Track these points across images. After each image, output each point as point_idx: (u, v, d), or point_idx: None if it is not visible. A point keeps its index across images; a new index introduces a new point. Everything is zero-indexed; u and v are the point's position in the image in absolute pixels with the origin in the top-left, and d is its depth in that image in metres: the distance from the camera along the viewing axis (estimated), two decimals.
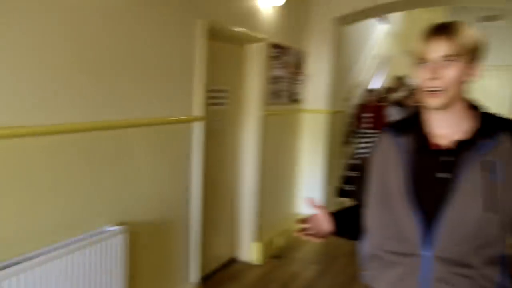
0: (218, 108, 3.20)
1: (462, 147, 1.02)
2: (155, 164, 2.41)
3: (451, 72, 1.01)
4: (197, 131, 2.72)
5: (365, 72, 7.69)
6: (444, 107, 1.04)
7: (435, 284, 1.01)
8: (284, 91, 3.84)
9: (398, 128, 1.15)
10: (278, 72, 3.63)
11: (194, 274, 2.85)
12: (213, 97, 3.11)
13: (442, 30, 1.01)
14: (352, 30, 6.13)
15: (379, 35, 8.36)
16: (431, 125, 1.09)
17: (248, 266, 3.57)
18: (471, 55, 1.02)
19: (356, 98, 5.35)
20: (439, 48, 1.00)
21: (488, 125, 1.04)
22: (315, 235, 1.13)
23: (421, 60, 1.03)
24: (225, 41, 3.15)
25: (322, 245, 4.12)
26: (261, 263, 3.62)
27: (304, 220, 1.16)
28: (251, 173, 3.54)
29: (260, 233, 3.71)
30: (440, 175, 1.02)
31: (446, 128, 1.07)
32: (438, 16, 7.85)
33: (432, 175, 1.04)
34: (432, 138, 1.08)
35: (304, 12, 4.11)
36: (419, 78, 1.04)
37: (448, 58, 1.00)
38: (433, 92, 1.02)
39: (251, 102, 3.48)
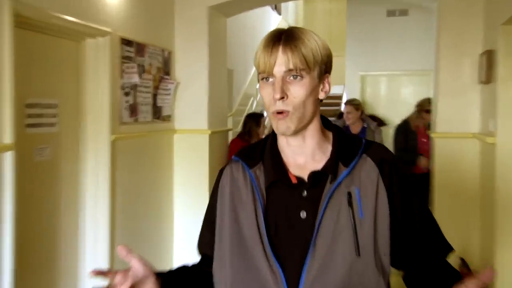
0: (43, 130, 2.98)
1: (320, 178, 1.14)
2: None
3: (299, 90, 1.10)
4: (6, 164, 2.45)
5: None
6: (296, 132, 1.14)
7: None
8: (145, 105, 3.79)
9: (250, 157, 1.23)
10: (134, 79, 3.58)
11: None
12: (34, 115, 2.91)
13: (286, 38, 1.10)
14: (239, 22, 6.28)
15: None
16: (287, 153, 1.20)
17: None
18: (322, 68, 1.13)
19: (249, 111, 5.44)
20: (283, 61, 1.09)
21: (344, 150, 1.17)
22: None
23: (264, 75, 1.12)
24: (52, 34, 3.00)
25: None
26: None
27: (107, 273, 1.10)
28: (100, 217, 3.37)
29: None
30: (304, 214, 1.12)
31: (303, 156, 1.18)
32: (341, 7, 8.55)
33: (295, 215, 1.13)
34: (291, 168, 1.18)
35: None
36: (264, 97, 1.14)
37: (295, 73, 1.10)
38: (280, 114, 1.11)
39: (96, 121, 3.33)
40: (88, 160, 3.35)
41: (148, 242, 3.93)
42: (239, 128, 6.49)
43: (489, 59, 3.40)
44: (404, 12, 7.17)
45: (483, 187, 3.61)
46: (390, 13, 7.18)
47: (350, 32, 7.38)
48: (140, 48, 3.68)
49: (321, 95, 1.17)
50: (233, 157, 1.26)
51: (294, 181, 1.16)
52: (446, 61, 3.84)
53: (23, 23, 2.65)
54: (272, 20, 8.70)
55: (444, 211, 3.78)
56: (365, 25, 7.22)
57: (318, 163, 1.17)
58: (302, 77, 1.10)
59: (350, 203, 1.11)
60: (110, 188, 3.36)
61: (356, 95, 7.25)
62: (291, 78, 1.10)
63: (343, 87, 7.89)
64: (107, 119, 3.31)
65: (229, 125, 5.36)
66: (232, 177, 1.23)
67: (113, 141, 3.37)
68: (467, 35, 3.78)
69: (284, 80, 1.10)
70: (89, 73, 3.30)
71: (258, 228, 1.14)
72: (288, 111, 1.11)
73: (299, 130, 1.14)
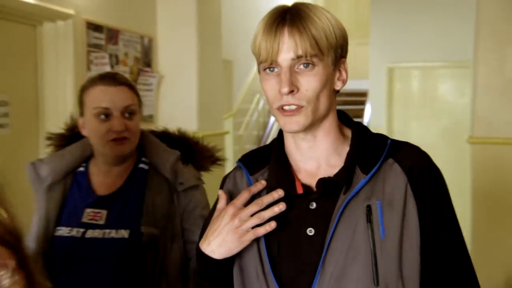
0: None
1: (333, 188, 1.14)
2: None
3: (312, 81, 1.10)
4: None
5: None
6: (307, 128, 1.14)
7: None
8: None
9: (254, 161, 1.26)
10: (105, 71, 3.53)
11: None
12: None
13: (292, 18, 1.10)
14: (238, 2, 6.23)
15: None
16: (295, 157, 1.21)
17: None
18: (337, 52, 1.13)
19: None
20: (290, 46, 1.09)
21: (364, 153, 1.17)
22: None
23: (266, 65, 1.12)
24: (1, 17, 3.02)
25: None
26: None
27: None
28: None
29: None
30: (311, 232, 1.13)
31: (315, 160, 1.19)
32: None
33: (300, 232, 1.14)
34: (300, 175, 1.19)
35: None
36: (267, 91, 1.14)
37: (305, 60, 1.09)
38: (289, 111, 1.11)
39: (58, 121, 3.22)
40: None
41: None
42: (241, 131, 6.45)
43: None
44: None
45: None
46: None
47: (376, 13, 7.24)
48: (113, 34, 3.69)
49: (338, 85, 1.17)
50: (237, 161, 1.30)
51: (299, 190, 1.16)
52: (487, 50, 3.78)
53: None
54: None
55: (484, 235, 3.75)
56: (394, 4, 7.09)
57: (334, 169, 1.16)
58: (314, 65, 1.10)
59: (369, 219, 1.10)
60: None
61: (382, 92, 7.12)
62: (301, 67, 1.10)
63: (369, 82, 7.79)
64: None
65: (228, 127, 5.30)
66: (235, 186, 1.26)
67: None
68: None
69: (292, 70, 1.10)
70: (48, 64, 3.32)
71: (258, 247, 1.16)
72: (301, 106, 1.11)
73: (310, 128, 1.15)
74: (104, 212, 1.70)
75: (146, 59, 4.06)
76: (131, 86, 1.79)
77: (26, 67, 3.24)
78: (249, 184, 1.23)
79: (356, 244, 1.10)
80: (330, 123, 1.18)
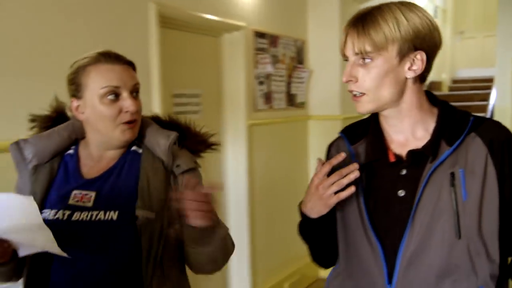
0: (188, 118, 3.47)
1: (421, 157, 1.21)
2: None
3: (367, 74, 1.17)
4: None
5: None
6: (386, 110, 1.23)
7: None
8: (279, 93, 4.30)
9: (354, 132, 1.35)
10: (268, 69, 4.10)
11: None
12: (181, 104, 3.44)
13: (355, 22, 1.19)
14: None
15: None
16: (387, 130, 1.30)
17: None
18: (406, 45, 1.16)
19: None
20: (350, 45, 1.19)
21: (449, 128, 1.21)
22: None
23: (344, 57, 1.24)
24: (193, 32, 3.56)
25: None
26: None
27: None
28: (238, 201, 3.90)
29: (258, 279, 3.99)
30: (401, 193, 1.22)
31: (402, 134, 1.27)
32: None
33: (393, 193, 1.23)
34: (393, 145, 1.28)
35: None
36: (343, 77, 1.25)
37: (362, 56, 1.17)
38: (355, 96, 1.22)
39: (234, 108, 3.89)
40: (228, 142, 3.89)
41: (286, 224, 4.18)
42: None
43: None
44: None
45: None
46: None
47: (503, 6, 6.96)
48: (273, 40, 4.17)
49: (409, 74, 1.19)
50: (339, 132, 1.39)
51: (392, 159, 1.25)
52: None
53: (167, 23, 3.16)
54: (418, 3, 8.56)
55: None
56: None
57: (420, 141, 1.23)
58: (372, 59, 1.16)
59: (452, 184, 1.15)
60: (248, 170, 3.87)
61: (508, 77, 6.90)
62: (361, 61, 1.18)
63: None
64: (243, 106, 3.85)
65: None
66: (338, 153, 1.31)
67: (249, 126, 3.87)
68: None
69: (356, 63, 1.19)
70: (227, 65, 3.85)
71: (358, 204, 1.26)
72: (362, 93, 1.19)
73: (387, 109, 1.23)
74: (92, 194, 1.47)
75: (299, 58, 4.52)
76: (133, 65, 1.54)
77: (212, 67, 3.78)
78: (351, 152, 1.29)
79: (441, 204, 1.15)
80: (408, 104, 1.22)
